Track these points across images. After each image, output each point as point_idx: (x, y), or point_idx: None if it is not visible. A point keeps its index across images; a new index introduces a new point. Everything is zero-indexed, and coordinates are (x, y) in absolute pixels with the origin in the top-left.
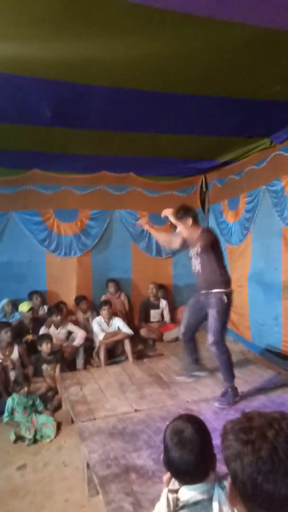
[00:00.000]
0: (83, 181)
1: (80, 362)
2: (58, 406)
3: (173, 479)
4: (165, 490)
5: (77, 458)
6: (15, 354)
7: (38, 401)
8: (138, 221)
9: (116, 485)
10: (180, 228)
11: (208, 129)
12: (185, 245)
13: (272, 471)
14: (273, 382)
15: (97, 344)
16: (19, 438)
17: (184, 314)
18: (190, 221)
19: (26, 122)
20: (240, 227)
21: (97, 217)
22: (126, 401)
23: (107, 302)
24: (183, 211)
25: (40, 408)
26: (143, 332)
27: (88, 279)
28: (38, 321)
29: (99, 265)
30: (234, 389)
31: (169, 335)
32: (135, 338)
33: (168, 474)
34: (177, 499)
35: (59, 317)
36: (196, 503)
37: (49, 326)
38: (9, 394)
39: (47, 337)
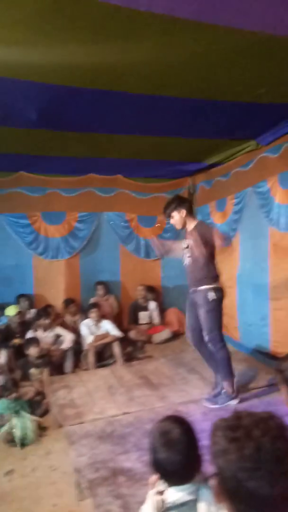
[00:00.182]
0: (71, 183)
1: (68, 365)
2: (46, 410)
3: (160, 481)
4: (151, 492)
5: (65, 462)
6: (2, 359)
7: (26, 406)
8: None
9: (104, 488)
10: (174, 220)
11: (195, 131)
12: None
13: (255, 469)
14: (262, 382)
15: (85, 347)
16: (9, 441)
17: (186, 318)
18: (184, 212)
19: (12, 124)
20: (227, 228)
21: (85, 220)
22: (114, 404)
23: (95, 305)
24: (178, 202)
25: (26, 412)
26: (132, 334)
27: (77, 281)
28: (25, 325)
29: (88, 268)
30: (232, 392)
31: (158, 337)
32: (124, 341)
33: (155, 476)
34: (163, 501)
35: (47, 320)
36: (182, 504)
37: (36, 330)
38: None
39: (35, 340)
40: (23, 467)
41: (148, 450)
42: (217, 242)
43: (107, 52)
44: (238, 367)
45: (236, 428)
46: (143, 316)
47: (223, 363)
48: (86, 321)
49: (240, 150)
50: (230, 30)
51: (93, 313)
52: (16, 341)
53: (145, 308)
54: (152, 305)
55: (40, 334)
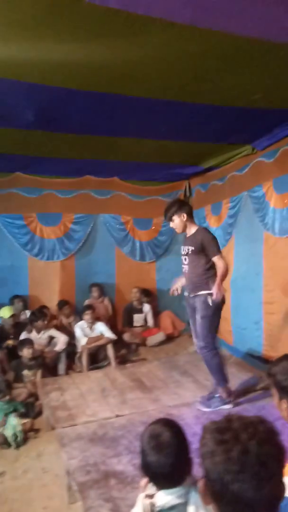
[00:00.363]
0: (67, 185)
1: (62, 367)
2: (39, 412)
3: (150, 484)
4: (141, 495)
5: (57, 465)
6: None
7: (19, 408)
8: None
9: (95, 491)
10: (174, 223)
11: (192, 135)
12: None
13: (240, 472)
14: (254, 386)
15: (79, 349)
16: (1, 443)
17: (190, 325)
18: (184, 216)
19: (8, 125)
20: (223, 232)
21: (81, 221)
22: (107, 407)
23: (90, 307)
24: (179, 205)
25: (19, 413)
26: (126, 336)
27: (72, 283)
28: (19, 326)
29: (83, 270)
30: (227, 397)
31: (152, 339)
32: (118, 343)
33: (145, 479)
34: (153, 504)
35: (43, 322)
36: (172, 507)
37: (30, 331)
38: None
39: (28, 342)
40: (15, 469)
41: (139, 453)
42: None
43: (104, 55)
44: (231, 370)
45: (224, 430)
46: (137, 319)
47: (215, 370)
48: (80, 323)
49: (236, 154)
50: (225, 35)
51: (88, 315)
52: (10, 342)
53: (139, 311)
54: (147, 307)
55: (34, 335)
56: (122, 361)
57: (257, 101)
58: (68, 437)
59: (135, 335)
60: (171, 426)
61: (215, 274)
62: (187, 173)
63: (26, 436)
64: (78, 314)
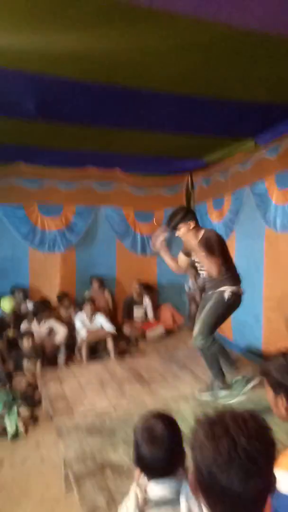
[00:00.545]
0: (69, 176)
1: (61, 358)
2: (38, 402)
3: (142, 476)
4: (133, 486)
5: (54, 455)
6: None
7: (18, 397)
8: (153, 243)
9: (91, 481)
10: (181, 232)
11: (194, 128)
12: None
13: (228, 465)
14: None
15: (79, 341)
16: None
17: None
18: (191, 224)
19: (10, 114)
20: (224, 227)
21: (82, 213)
22: (105, 398)
23: (90, 299)
24: (183, 213)
25: (18, 404)
26: (126, 329)
27: (72, 275)
28: (19, 317)
29: (83, 262)
30: (224, 385)
31: (152, 333)
32: (117, 335)
33: (138, 471)
34: (146, 494)
35: (46, 313)
36: (164, 498)
37: (30, 322)
38: None
39: (29, 333)
40: (13, 458)
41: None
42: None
43: (106, 46)
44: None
45: (215, 424)
46: (137, 312)
47: (209, 363)
48: (80, 314)
49: (238, 147)
50: (229, 28)
51: (88, 307)
52: (10, 332)
53: (139, 304)
54: (147, 301)
55: (34, 326)
56: (121, 353)
57: (260, 95)
58: (66, 427)
59: (135, 328)
60: (165, 418)
61: (233, 272)
62: (190, 166)
63: (25, 426)
64: (78, 306)
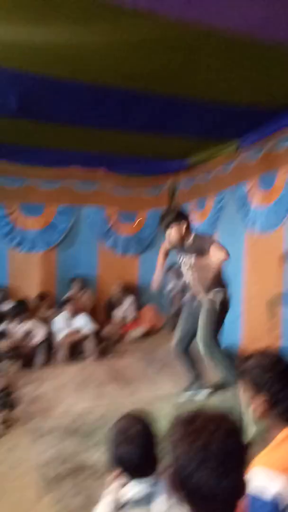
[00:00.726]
0: (51, 175)
1: (39, 359)
2: (15, 404)
3: (121, 476)
4: (109, 488)
5: (30, 457)
6: None
7: None
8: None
9: (67, 483)
10: (174, 232)
11: (178, 129)
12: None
13: (202, 463)
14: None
15: (58, 342)
16: None
17: (178, 324)
18: (184, 224)
19: None
20: (206, 228)
21: (64, 213)
22: (83, 399)
23: (70, 299)
24: (177, 213)
25: None
26: (106, 330)
27: (52, 275)
28: None
29: (64, 262)
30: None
31: (132, 333)
32: (98, 336)
33: (115, 472)
34: (122, 495)
35: (25, 314)
36: (141, 497)
37: (9, 322)
38: None
39: (6, 333)
40: None
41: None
42: (216, 256)
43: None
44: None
45: (192, 422)
46: (118, 312)
47: (222, 367)
48: (60, 315)
49: (221, 151)
50: (214, 30)
51: (68, 308)
52: None
53: (120, 304)
54: (128, 301)
55: (12, 327)
56: (101, 354)
57: (243, 98)
58: (42, 429)
59: (116, 328)
60: (141, 418)
61: (220, 274)
62: (173, 167)
63: (1, 429)
64: (58, 306)
